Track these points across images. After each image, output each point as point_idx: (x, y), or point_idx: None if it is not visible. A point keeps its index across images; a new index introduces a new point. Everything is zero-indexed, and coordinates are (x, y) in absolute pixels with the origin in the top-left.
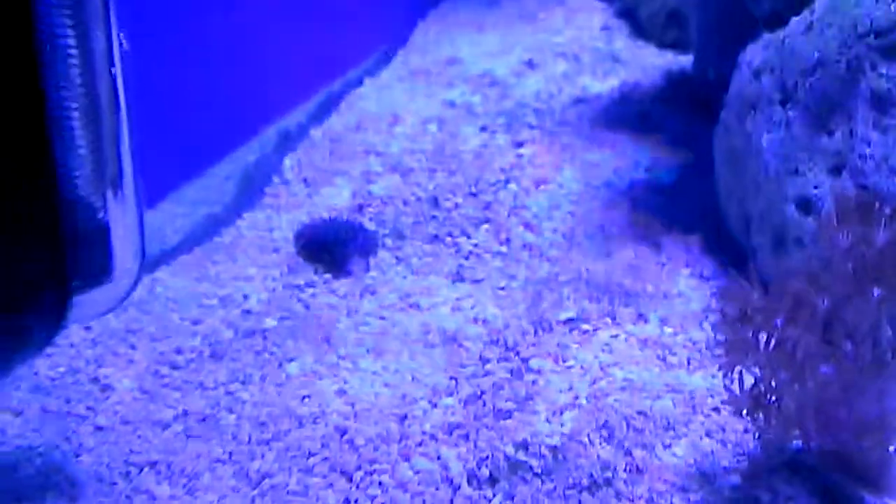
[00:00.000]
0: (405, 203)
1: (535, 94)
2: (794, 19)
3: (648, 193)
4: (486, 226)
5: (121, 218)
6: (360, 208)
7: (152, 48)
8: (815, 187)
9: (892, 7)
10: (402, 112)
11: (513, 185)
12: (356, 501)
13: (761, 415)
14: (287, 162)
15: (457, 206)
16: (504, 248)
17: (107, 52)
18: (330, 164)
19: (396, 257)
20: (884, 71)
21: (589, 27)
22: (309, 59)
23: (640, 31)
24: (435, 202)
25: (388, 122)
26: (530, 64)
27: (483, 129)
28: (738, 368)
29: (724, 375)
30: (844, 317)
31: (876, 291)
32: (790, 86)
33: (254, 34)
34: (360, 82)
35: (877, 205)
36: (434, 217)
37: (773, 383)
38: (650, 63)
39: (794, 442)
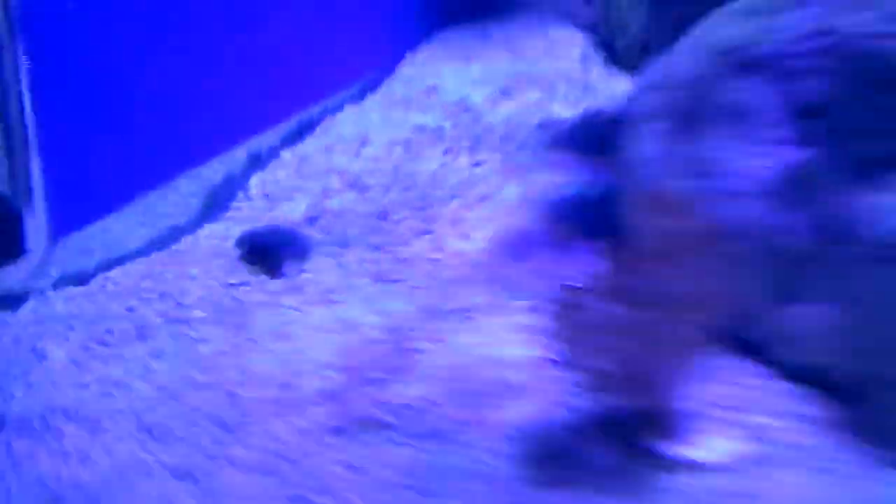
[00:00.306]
0: (355, 216)
1: (504, 120)
2: (680, 40)
3: (577, 207)
4: (427, 236)
5: (32, 209)
6: (313, 220)
7: (132, 68)
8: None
9: (747, 27)
10: (373, 135)
11: (459, 201)
12: (230, 444)
13: (588, 381)
14: (254, 179)
15: (404, 218)
16: (438, 255)
17: (14, 76)
18: (293, 182)
19: (336, 263)
20: (737, 86)
21: (568, 57)
22: (287, 85)
23: (616, 60)
24: (384, 215)
25: (358, 144)
26: (506, 92)
27: (447, 151)
28: (567, 344)
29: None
30: (652, 294)
31: (675, 271)
32: (666, 102)
33: (229, 58)
34: (340, 108)
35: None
36: (380, 228)
37: (596, 354)
38: (619, 91)
39: (613, 403)
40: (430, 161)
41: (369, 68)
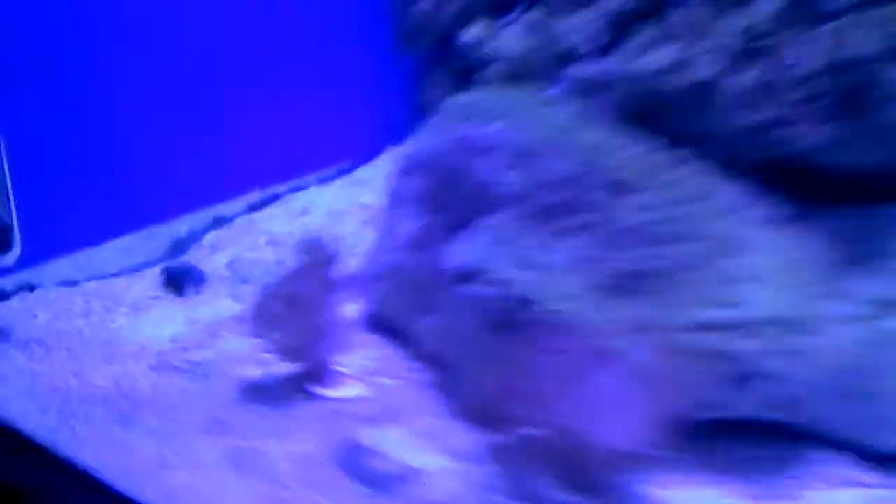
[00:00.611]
0: (262, 263)
1: None
2: None
3: None
4: None
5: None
6: (230, 264)
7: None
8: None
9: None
10: (316, 208)
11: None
12: (103, 369)
13: (276, 351)
14: (209, 235)
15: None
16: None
17: None
18: (233, 239)
19: (226, 291)
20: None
21: None
22: (264, 162)
23: None
24: (282, 263)
25: (299, 214)
26: None
27: (365, 222)
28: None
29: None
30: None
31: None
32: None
33: (210, 132)
34: (307, 187)
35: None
36: (274, 273)
37: (280, 336)
38: None
39: (289, 363)
40: (349, 227)
41: (344, 155)
